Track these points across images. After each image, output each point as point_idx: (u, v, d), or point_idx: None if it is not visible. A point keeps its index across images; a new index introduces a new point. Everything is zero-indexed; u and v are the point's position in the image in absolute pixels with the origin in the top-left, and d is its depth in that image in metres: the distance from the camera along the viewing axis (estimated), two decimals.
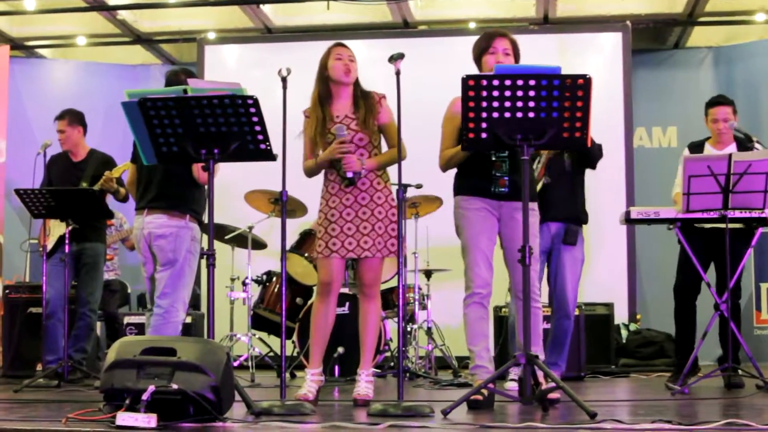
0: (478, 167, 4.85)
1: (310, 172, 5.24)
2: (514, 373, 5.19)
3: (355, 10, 9.88)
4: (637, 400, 5.60)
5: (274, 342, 7.85)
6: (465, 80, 4.32)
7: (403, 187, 4.66)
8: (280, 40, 10.18)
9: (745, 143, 6.18)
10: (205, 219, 5.27)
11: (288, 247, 5.95)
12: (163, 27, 10.43)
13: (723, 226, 5.69)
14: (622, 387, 6.65)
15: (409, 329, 7.48)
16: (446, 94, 5.08)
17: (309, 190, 5.96)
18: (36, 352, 7.11)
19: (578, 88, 4.29)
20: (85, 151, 7.19)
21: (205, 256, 4.47)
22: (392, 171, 5.00)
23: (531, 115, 4.32)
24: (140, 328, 7.59)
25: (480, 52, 4.97)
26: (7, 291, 7.84)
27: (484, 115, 4.33)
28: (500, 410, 4.61)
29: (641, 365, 8.29)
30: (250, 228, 7.61)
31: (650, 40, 10.46)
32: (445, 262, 7.93)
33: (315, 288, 5.81)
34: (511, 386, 5.36)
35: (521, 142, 4.37)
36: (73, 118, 7.17)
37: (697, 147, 6.38)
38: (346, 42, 5.31)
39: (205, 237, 4.86)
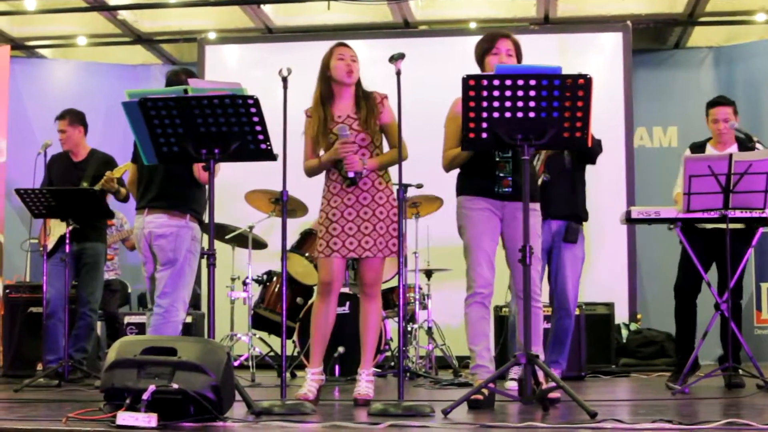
0: (482, 167, 4.85)
1: (312, 172, 5.24)
2: (514, 372, 5.19)
3: (355, 10, 9.88)
4: (638, 400, 5.60)
5: (275, 342, 7.85)
6: (465, 80, 4.32)
7: (403, 187, 4.66)
8: (281, 40, 10.19)
9: (745, 143, 6.18)
10: (206, 219, 5.28)
11: (288, 246, 5.95)
12: (163, 27, 10.43)
13: (724, 226, 5.69)
14: (622, 387, 6.65)
15: (409, 329, 7.48)
16: (447, 94, 5.08)
17: (309, 190, 5.96)
18: (36, 352, 7.10)
19: (579, 88, 4.29)
20: (85, 151, 7.19)
21: (205, 256, 4.47)
22: (393, 171, 5.00)
23: (531, 115, 4.32)
24: (141, 328, 7.59)
25: (483, 53, 4.97)
26: (7, 291, 7.84)
27: (485, 115, 4.33)
28: (501, 410, 4.62)
29: (642, 365, 8.29)
30: (251, 228, 7.61)
31: (651, 40, 10.46)
32: (446, 261, 7.94)
33: (315, 288, 5.82)
34: (512, 386, 5.36)
35: (522, 142, 4.37)
36: (74, 118, 7.17)
37: (698, 148, 6.38)
38: (347, 42, 5.31)
39: (205, 237, 4.87)
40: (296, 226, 7.82)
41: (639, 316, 9.13)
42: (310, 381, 5.06)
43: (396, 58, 4.61)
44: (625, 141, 9.41)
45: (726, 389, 5.85)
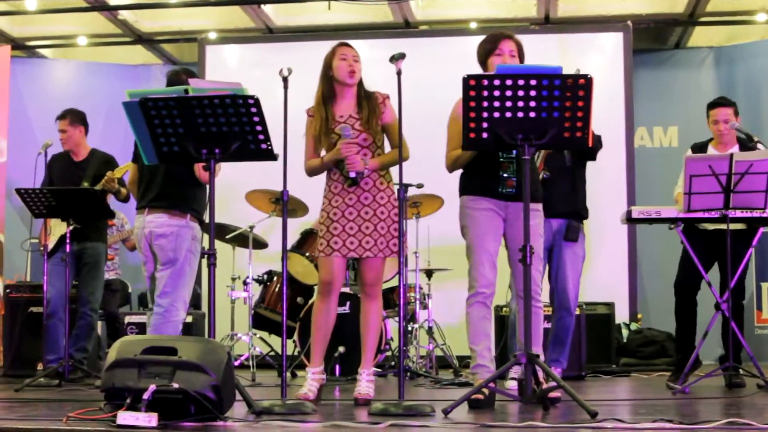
0: (485, 168, 4.84)
1: (313, 172, 5.24)
2: (514, 372, 5.19)
3: (356, 10, 9.88)
4: (638, 400, 5.60)
5: (275, 341, 7.85)
6: (466, 80, 4.32)
7: (404, 187, 4.66)
8: (281, 40, 10.19)
9: (746, 143, 6.19)
10: (206, 218, 5.29)
11: (289, 246, 5.96)
12: (164, 27, 10.43)
13: (725, 227, 5.69)
14: (623, 386, 6.65)
15: (410, 329, 7.48)
16: (447, 94, 5.08)
17: (310, 190, 5.97)
18: (37, 352, 7.10)
19: (579, 87, 4.29)
20: (86, 150, 7.20)
21: (206, 256, 4.47)
22: (394, 171, 5.00)
23: (532, 114, 4.32)
24: (141, 328, 7.59)
25: (486, 54, 4.96)
26: (8, 290, 7.84)
27: (485, 114, 4.34)
28: (501, 409, 4.62)
29: (642, 364, 8.29)
30: (251, 227, 7.62)
31: (651, 40, 10.46)
32: (446, 261, 7.94)
33: (316, 287, 5.82)
34: (512, 386, 5.36)
35: (522, 142, 4.37)
36: (75, 117, 7.18)
37: (700, 148, 6.39)
38: (349, 42, 5.31)
39: (206, 236, 4.87)
40: (297, 226, 7.82)
41: (639, 316, 9.14)
42: (310, 380, 5.06)
43: (396, 58, 4.61)
44: (626, 141, 9.40)
45: (726, 389, 5.85)
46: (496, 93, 4.29)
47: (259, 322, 7.66)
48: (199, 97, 4.31)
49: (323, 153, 5.19)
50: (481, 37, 5.10)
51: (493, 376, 4.57)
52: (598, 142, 6.00)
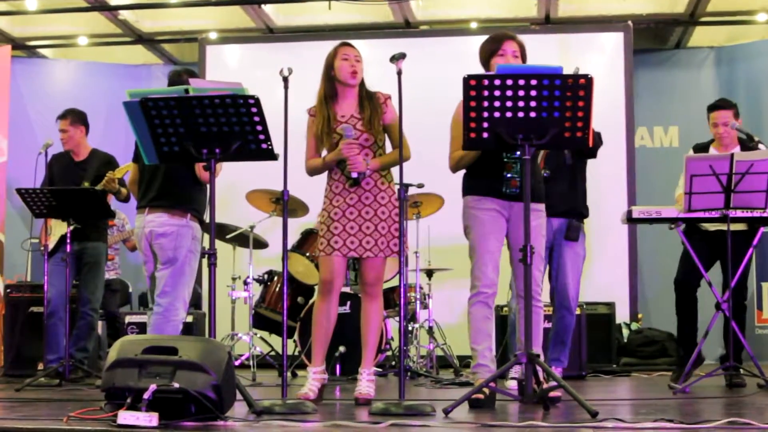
0: (489, 168, 4.83)
1: (314, 171, 5.23)
2: (515, 372, 5.19)
3: (356, 10, 9.88)
4: (639, 399, 5.61)
5: (276, 341, 7.85)
6: (466, 80, 4.32)
7: (404, 187, 4.66)
8: (282, 40, 10.19)
9: (747, 143, 6.19)
10: (207, 218, 5.29)
11: (289, 246, 5.96)
12: (164, 27, 10.43)
13: (726, 227, 5.70)
14: (623, 386, 6.65)
15: (410, 328, 7.49)
16: (448, 94, 5.08)
17: (310, 190, 5.97)
18: (37, 351, 7.10)
19: (579, 87, 4.29)
20: (87, 150, 7.20)
21: (206, 256, 4.47)
22: (395, 170, 5.00)
23: (532, 114, 4.32)
24: (141, 328, 7.59)
25: (489, 55, 4.95)
26: (8, 290, 7.84)
27: (486, 114, 4.34)
28: (501, 409, 4.62)
29: (643, 364, 8.29)
30: (252, 227, 7.62)
31: (652, 40, 10.46)
32: (447, 261, 7.94)
33: (316, 287, 5.82)
34: (513, 385, 5.35)
35: (522, 142, 4.37)
36: (76, 117, 7.18)
37: (701, 149, 6.40)
38: (350, 42, 5.31)
39: (206, 236, 4.87)
40: (297, 226, 7.82)
41: (640, 316, 9.14)
42: (311, 380, 5.06)
43: (397, 58, 4.61)
44: (626, 141, 9.40)
45: (727, 388, 5.86)
46: (497, 93, 4.30)
47: (259, 321, 7.66)
48: (200, 97, 4.31)
49: (324, 153, 5.18)
50: (482, 37, 5.10)
51: (493, 375, 4.57)
52: (598, 139, 5.99)
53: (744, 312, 6.26)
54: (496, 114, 4.32)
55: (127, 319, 7.92)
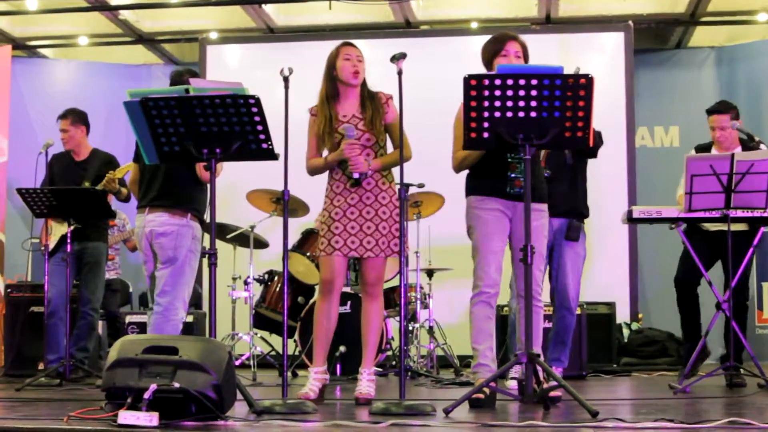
0: (493, 168, 4.83)
1: (315, 171, 5.23)
2: (515, 372, 5.19)
3: (357, 9, 9.88)
4: (639, 399, 5.60)
5: (276, 341, 7.85)
6: (467, 80, 4.32)
7: (405, 187, 4.66)
8: (282, 40, 10.19)
9: (747, 143, 6.19)
10: (207, 218, 5.29)
11: (290, 246, 5.96)
12: (164, 27, 10.43)
13: (726, 227, 5.70)
14: (623, 386, 6.65)
15: (410, 328, 7.48)
16: (448, 94, 5.07)
17: (311, 190, 5.97)
18: (38, 351, 7.10)
19: (580, 87, 4.29)
20: (87, 150, 7.20)
21: (207, 255, 4.47)
22: (395, 170, 5.00)
23: (533, 114, 4.32)
24: (142, 327, 7.58)
25: (492, 55, 4.95)
26: (9, 290, 7.84)
27: (486, 114, 4.34)
28: (502, 409, 4.61)
29: (643, 364, 8.29)
30: (252, 227, 7.62)
31: (652, 40, 10.46)
32: (447, 261, 7.94)
33: (317, 287, 5.82)
34: (513, 385, 5.35)
35: (523, 142, 4.37)
36: (76, 117, 7.18)
37: (703, 150, 6.41)
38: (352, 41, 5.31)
39: (206, 236, 4.86)
40: (297, 226, 7.82)
41: (640, 316, 9.14)
42: (312, 380, 5.06)
43: (397, 58, 4.61)
44: (627, 141, 9.40)
45: (727, 388, 5.86)
46: (497, 93, 4.30)
47: (259, 321, 7.66)
48: (200, 96, 4.31)
49: (325, 152, 5.18)
50: (482, 37, 5.10)
51: (493, 375, 4.57)
52: (598, 138, 5.99)
53: (745, 312, 6.27)
54: (497, 114, 4.33)
55: (128, 319, 7.91)
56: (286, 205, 4.81)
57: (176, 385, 3.76)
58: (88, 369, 6.81)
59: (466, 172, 4.99)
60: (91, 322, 7.00)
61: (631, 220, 6.15)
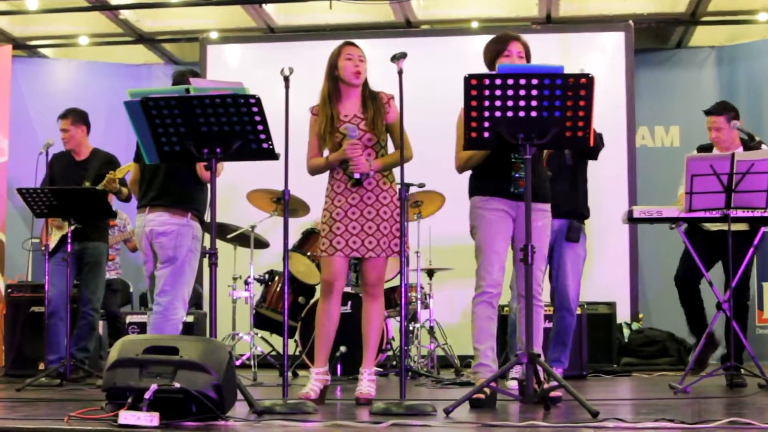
0: (497, 168, 4.82)
1: (316, 171, 5.22)
2: (515, 372, 5.19)
3: (357, 9, 9.88)
4: (640, 399, 5.60)
5: (277, 341, 7.85)
6: (467, 79, 4.32)
7: (405, 187, 4.65)
8: (283, 39, 10.19)
9: (748, 143, 6.20)
10: (207, 218, 5.28)
11: (290, 246, 5.96)
12: (165, 26, 10.44)
13: (727, 227, 5.70)
14: (624, 386, 6.65)
15: (411, 328, 7.48)
16: (449, 94, 5.07)
17: (311, 190, 5.97)
18: (38, 351, 7.10)
19: (581, 87, 4.29)
20: (88, 150, 7.20)
21: (207, 255, 4.46)
22: (396, 170, 5.00)
23: (533, 114, 4.32)
24: (142, 327, 7.57)
25: (495, 55, 4.94)
26: (9, 290, 7.84)
27: (487, 114, 4.34)
28: (502, 409, 4.61)
29: (643, 364, 8.29)
30: (253, 227, 7.61)
31: (653, 40, 10.46)
32: (448, 261, 7.94)
33: (318, 287, 5.81)
34: (513, 385, 5.35)
35: (523, 142, 4.36)
36: (77, 117, 7.18)
37: (705, 150, 6.42)
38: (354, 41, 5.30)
39: (207, 236, 4.86)
40: (298, 226, 7.82)
41: (641, 316, 9.14)
42: (313, 380, 5.05)
43: (398, 58, 4.61)
44: (627, 140, 9.40)
45: (728, 388, 5.86)
46: (498, 92, 4.30)
47: (260, 321, 7.66)
48: (201, 96, 4.31)
49: (326, 152, 5.18)
50: (483, 37, 5.11)
51: (494, 375, 4.57)
52: (599, 140, 5.99)
53: (746, 312, 6.27)
54: (497, 113, 4.32)
55: (128, 319, 7.90)
56: (286, 205, 4.81)
57: (177, 385, 3.75)
58: (89, 369, 6.81)
59: (468, 172, 4.98)
60: (92, 322, 7.00)
61: (631, 219, 6.15)
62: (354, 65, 5.12)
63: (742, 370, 5.86)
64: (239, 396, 4.19)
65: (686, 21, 9.90)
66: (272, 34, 10.33)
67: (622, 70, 9.48)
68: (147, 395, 3.69)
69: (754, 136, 6.13)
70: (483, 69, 4.94)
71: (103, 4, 9.54)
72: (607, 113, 8.35)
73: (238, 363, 6.95)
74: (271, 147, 4.45)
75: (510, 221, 4.85)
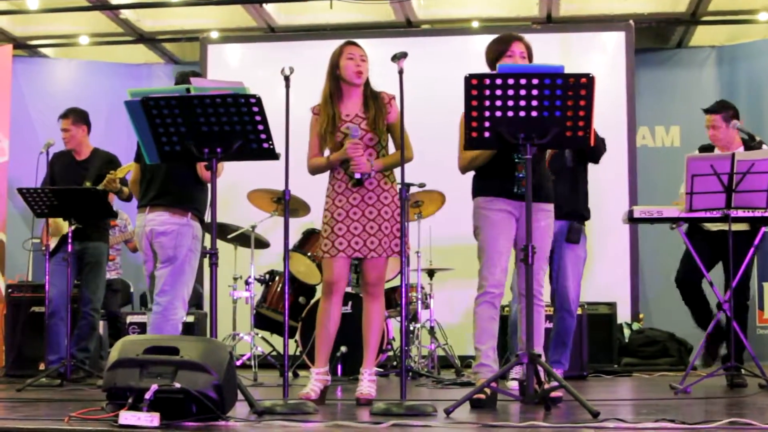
0: (499, 169, 4.81)
1: (317, 170, 5.21)
2: (516, 372, 5.18)
3: (358, 9, 9.87)
4: (640, 400, 5.60)
5: (277, 341, 7.85)
6: (468, 79, 4.31)
7: (406, 186, 4.65)
8: (283, 39, 10.20)
9: (749, 143, 6.20)
10: (208, 218, 5.28)
11: (291, 246, 5.96)
12: (165, 26, 10.43)
13: (727, 227, 5.70)
14: (624, 386, 6.65)
15: (411, 328, 7.48)
16: (449, 94, 5.07)
17: (312, 190, 5.96)
18: (39, 352, 7.10)
19: (581, 87, 4.29)
20: (88, 149, 7.20)
21: (207, 255, 4.46)
22: (397, 170, 4.99)
23: (534, 114, 4.32)
24: (143, 328, 7.58)
25: (497, 56, 4.93)
26: (9, 290, 7.84)
27: (487, 114, 4.33)
28: (503, 409, 4.61)
29: (644, 364, 8.29)
30: (253, 227, 7.61)
31: (653, 40, 10.46)
32: (448, 261, 7.94)
33: (318, 287, 5.81)
34: (514, 385, 5.35)
35: (524, 141, 4.36)
36: (77, 116, 7.17)
37: (706, 150, 6.42)
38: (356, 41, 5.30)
39: (207, 236, 4.86)
40: (298, 226, 7.83)
41: (641, 316, 9.13)
42: (314, 381, 5.05)
43: (398, 57, 4.61)
44: (628, 140, 9.39)
45: (728, 389, 5.86)
46: (498, 92, 4.30)
47: (260, 321, 7.66)
48: (201, 96, 4.30)
49: (327, 152, 5.17)
50: (483, 37, 5.11)
51: (494, 375, 4.57)
52: (602, 145, 5.98)
53: (746, 312, 6.27)
54: (498, 113, 4.32)
55: (129, 319, 7.90)
56: (287, 204, 4.81)
57: (177, 385, 3.75)
58: (89, 369, 6.81)
59: (471, 173, 4.97)
60: (92, 322, 7.00)
61: (632, 220, 6.15)
62: (356, 65, 5.11)
63: (743, 371, 5.86)
64: (240, 396, 4.18)
65: (687, 21, 9.90)
66: (273, 33, 10.33)
67: (623, 70, 9.47)
68: (147, 395, 3.69)
69: (754, 136, 6.13)
70: (484, 69, 4.93)
71: (103, 3, 9.54)
72: (608, 113, 8.35)
73: (238, 363, 6.95)
74: (271, 147, 4.44)
75: (513, 221, 4.84)
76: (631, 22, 9.61)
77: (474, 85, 4.30)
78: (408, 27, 10.12)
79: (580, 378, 6.96)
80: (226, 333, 7.63)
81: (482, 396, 4.53)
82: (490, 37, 5.09)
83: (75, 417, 3.89)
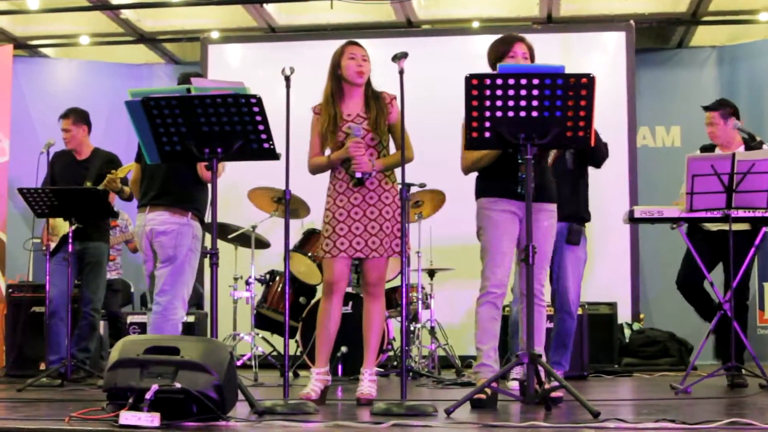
0: (503, 169, 4.80)
1: (317, 170, 5.21)
2: (516, 372, 5.18)
3: (358, 9, 9.88)
4: (641, 400, 5.60)
5: (277, 341, 7.85)
6: (468, 79, 4.31)
7: (406, 186, 4.65)
8: (284, 39, 10.20)
9: (749, 143, 6.20)
10: (208, 218, 5.28)
11: (291, 246, 5.96)
12: (166, 26, 10.44)
13: (728, 227, 5.70)
14: (625, 386, 6.65)
15: (412, 328, 7.48)
16: (450, 94, 5.07)
17: (312, 190, 5.96)
18: (39, 352, 7.11)
19: (582, 87, 4.29)
20: (89, 149, 7.20)
21: (208, 255, 4.46)
22: (397, 170, 4.99)
23: (534, 114, 4.32)
24: (143, 328, 7.57)
25: (499, 56, 4.92)
26: (10, 290, 7.84)
27: (488, 114, 4.33)
28: (503, 409, 4.61)
29: (644, 364, 8.29)
30: (254, 227, 7.61)
31: (654, 40, 10.46)
32: (448, 261, 7.94)
33: (319, 287, 5.81)
34: (515, 385, 5.35)
35: (524, 142, 4.36)
36: (78, 116, 7.17)
37: (707, 150, 6.42)
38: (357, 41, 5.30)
39: (207, 236, 4.86)
40: (299, 226, 7.83)
41: (642, 316, 9.14)
42: (314, 381, 5.05)
43: (399, 57, 4.60)
44: (628, 140, 9.40)
45: (729, 389, 5.85)
46: (499, 92, 4.29)
47: (261, 321, 7.66)
48: (202, 96, 4.30)
49: (328, 151, 5.17)
50: (484, 36, 5.11)
51: (495, 375, 4.56)
52: (605, 149, 5.98)
53: (746, 312, 6.26)
54: (498, 113, 4.32)
55: (129, 319, 7.91)
56: (287, 204, 4.81)
57: (178, 385, 3.75)
58: (90, 369, 6.81)
59: (472, 174, 4.97)
60: (93, 322, 7.00)
61: (632, 220, 6.15)
62: (357, 65, 5.11)
63: (743, 371, 5.86)
64: (240, 396, 4.18)
65: (687, 21, 9.90)
66: (273, 33, 10.33)
67: (623, 70, 9.48)
68: (148, 395, 3.69)
69: (754, 136, 6.13)
70: (484, 69, 4.92)
71: (104, 3, 9.54)
72: (608, 113, 8.35)
73: (239, 363, 6.95)
74: (272, 147, 4.44)
75: (517, 222, 4.83)
76: (631, 22, 9.62)
77: (474, 85, 4.30)
78: (408, 27, 10.13)
79: (580, 378, 6.96)
80: (226, 333, 7.63)
81: (483, 396, 4.53)
82: (490, 38, 5.09)
83: (75, 417, 3.89)
